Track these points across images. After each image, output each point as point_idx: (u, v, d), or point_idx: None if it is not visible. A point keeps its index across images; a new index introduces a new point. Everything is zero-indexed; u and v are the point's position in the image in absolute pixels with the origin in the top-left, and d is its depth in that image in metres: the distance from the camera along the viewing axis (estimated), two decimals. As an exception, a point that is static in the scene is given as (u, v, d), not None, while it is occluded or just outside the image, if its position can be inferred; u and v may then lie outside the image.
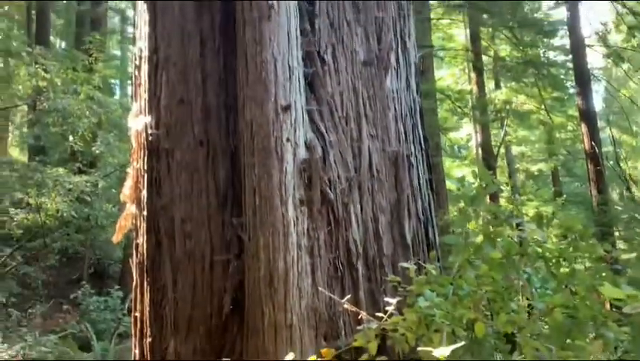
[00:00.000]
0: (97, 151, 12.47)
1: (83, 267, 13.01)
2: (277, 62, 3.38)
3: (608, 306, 3.03)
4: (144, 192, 3.79)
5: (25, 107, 14.81)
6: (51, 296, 11.97)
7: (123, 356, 9.01)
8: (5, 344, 6.95)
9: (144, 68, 3.96)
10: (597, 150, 14.61)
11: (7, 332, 8.33)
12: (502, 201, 13.90)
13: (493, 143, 18.96)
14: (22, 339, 7.65)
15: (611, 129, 18.83)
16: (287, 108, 3.36)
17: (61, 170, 11.89)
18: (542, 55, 18.78)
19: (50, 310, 11.47)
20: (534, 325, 2.37)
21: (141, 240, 3.80)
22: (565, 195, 18.97)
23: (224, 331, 3.46)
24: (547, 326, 2.62)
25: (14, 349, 6.91)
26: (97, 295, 11.58)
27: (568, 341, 2.43)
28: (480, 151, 18.36)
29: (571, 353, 2.20)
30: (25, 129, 16.36)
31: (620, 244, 14.05)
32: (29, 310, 10.68)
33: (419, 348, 1.93)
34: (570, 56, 17.13)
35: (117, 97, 20.42)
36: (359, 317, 3.01)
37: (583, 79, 15.93)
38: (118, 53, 26.53)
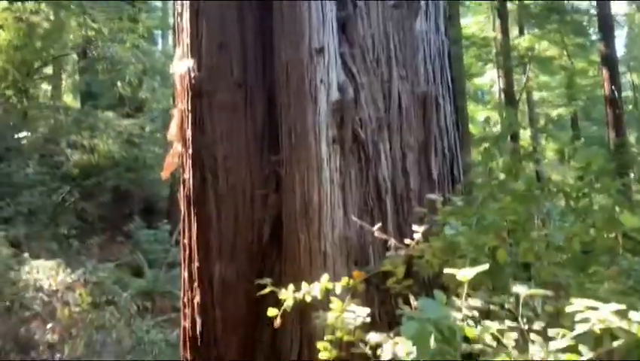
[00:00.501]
0: (143, 96, 12.57)
1: (133, 203, 13.37)
2: (311, 6, 3.31)
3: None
4: (189, 132, 3.82)
5: (76, 56, 14.89)
6: (106, 229, 12.38)
7: (171, 281, 9.36)
8: (68, 269, 7.27)
9: (186, 15, 3.92)
10: (617, 95, 14.12)
11: (69, 260, 8.69)
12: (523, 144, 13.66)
13: (515, 88, 18.46)
14: (83, 265, 7.99)
15: (631, 75, 18.12)
16: (320, 51, 3.32)
17: (110, 114, 12.06)
18: (566, 1, 17.96)
19: (105, 242, 11.90)
20: (552, 253, 2.37)
21: (188, 175, 3.87)
22: (583, 139, 18.52)
23: (263, 257, 3.54)
24: (564, 257, 2.61)
25: (76, 273, 7.24)
26: (147, 228, 11.94)
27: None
28: (502, 96, 17.93)
29: (587, 280, 2.20)
30: (76, 77, 16.51)
31: (635, 186, 13.76)
32: (88, 241, 11.08)
33: (444, 270, 1.95)
34: (594, 2, 16.34)
35: (159, 46, 20.38)
36: (387, 245, 3.04)
37: (606, 25, 15.23)
38: (159, 4, 26.25)
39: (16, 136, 12.17)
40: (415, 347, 1.55)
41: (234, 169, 3.68)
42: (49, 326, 6.55)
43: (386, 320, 2.98)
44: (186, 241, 3.85)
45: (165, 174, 4.12)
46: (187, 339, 3.78)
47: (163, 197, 13.89)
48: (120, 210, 13.23)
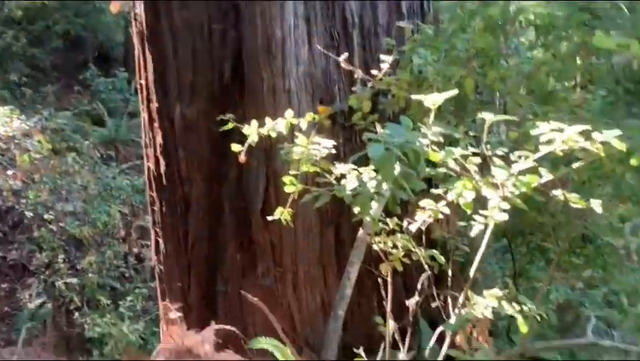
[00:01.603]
0: None
1: (87, 50, 12.66)
2: None
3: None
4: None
5: None
6: (60, 78, 11.82)
7: (133, 129, 9.21)
8: (23, 116, 7.02)
9: None
10: None
11: (24, 108, 8.37)
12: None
13: None
14: (39, 113, 7.72)
15: None
16: None
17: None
18: None
19: (61, 91, 11.41)
20: (519, 82, 2.33)
21: (139, 10, 3.58)
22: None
23: (226, 96, 3.42)
24: (531, 88, 2.58)
25: (32, 120, 7.00)
26: (104, 77, 11.45)
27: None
28: None
29: (552, 108, 2.19)
30: None
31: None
32: (42, 90, 10.62)
33: (412, 96, 1.89)
34: None
35: None
36: (353, 80, 2.95)
37: None
38: None
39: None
40: (380, 171, 1.54)
41: (190, 2, 3.40)
42: (10, 172, 6.47)
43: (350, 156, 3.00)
44: (142, 81, 3.67)
45: (114, 8, 3.80)
46: (152, 179, 3.77)
47: (117, 43, 13.16)
48: (73, 57, 12.54)
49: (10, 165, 6.63)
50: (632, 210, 2.48)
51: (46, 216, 6.40)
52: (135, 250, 7.29)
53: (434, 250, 2.13)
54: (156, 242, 4.05)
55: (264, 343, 2.82)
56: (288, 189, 2.76)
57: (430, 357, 2.48)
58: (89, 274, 6.19)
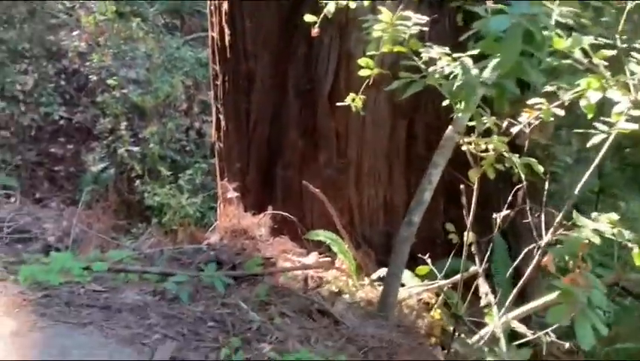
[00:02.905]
0: None
1: None
2: None
3: None
4: None
5: None
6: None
7: (201, 3, 8.80)
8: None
9: None
10: None
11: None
12: None
13: None
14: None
15: None
16: None
17: None
18: None
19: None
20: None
21: None
22: None
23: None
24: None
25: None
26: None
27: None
28: None
29: None
30: None
31: None
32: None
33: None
34: None
35: None
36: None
37: None
38: None
39: None
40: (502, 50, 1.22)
41: None
42: (75, 33, 6.36)
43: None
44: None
45: None
46: (216, 51, 3.52)
47: None
48: None
49: (76, 26, 6.51)
50: None
51: (109, 82, 6.35)
52: (197, 124, 7.24)
53: (532, 158, 1.82)
54: (217, 118, 3.88)
55: (322, 235, 2.67)
56: (362, 72, 2.46)
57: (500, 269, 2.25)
58: (151, 144, 6.19)
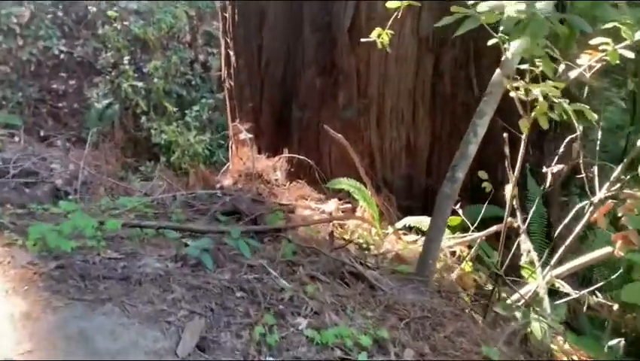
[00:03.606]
0: None
1: None
2: None
3: None
4: None
5: None
6: None
7: None
8: None
9: None
10: None
11: None
12: None
13: None
14: None
15: None
16: None
17: None
18: None
19: None
20: None
21: None
22: None
23: None
24: None
25: None
26: None
27: None
28: None
29: None
30: None
31: None
32: None
33: None
34: None
35: None
36: None
37: None
38: None
39: None
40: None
41: None
42: (70, -40, 5.95)
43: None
44: None
45: None
46: (224, -20, 3.22)
47: None
48: None
49: (71, -48, 6.09)
50: None
51: (110, 13, 6.02)
52: (202, 57, 6.93)
53: (585, 105, 1.62)
54: (227, 54, 3.64)
55: (344, 184, 2.51)
56: (390, 4, 2.22)
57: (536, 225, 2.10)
58: (155, 79, 5.94)
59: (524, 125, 1.59)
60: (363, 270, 1.65)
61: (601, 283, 1.82)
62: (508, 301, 1.80)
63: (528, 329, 1.62)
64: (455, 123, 3.01)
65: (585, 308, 1.86)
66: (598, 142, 1.70)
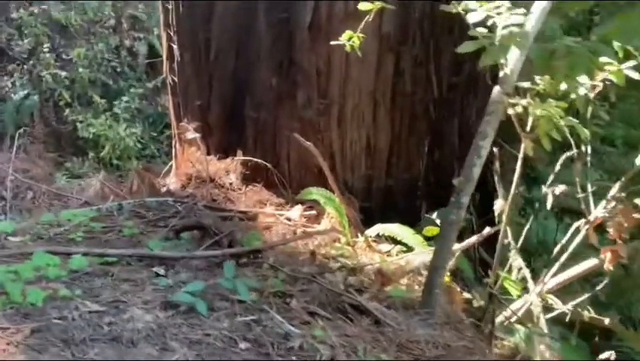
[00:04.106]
0: None
1: None
2: None
3: None
4: None
5: None
6: None
7: None
8: None
9: None
10: None
11: None
12: None
13: None
14: None
15: None
16: None
17: None
18: None
19: None
20: None
21: None
22: None
23: None
24: None
25: None
26: None
27: None
28: None
29: None
30: None
31: None
32: None
33: None
34: None
35: None
36: None
37: None
38: None
39: None
40: None
41: None
42: None
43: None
44: None
45: None
46: (168, -32, 2.95)
47: None
48: None
49: None
50: None
51: (24, -6, 5.50)
52: (127, 42, 6.49)
53: (574, 119, 1.57)
54: (169, 47, 3.36)
55: (315, 194, 2.38)
56: (362, 6, 2.09)
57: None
58: (79, 68, 5.48)
59: (529, 146, 1.52)
60: (365, 302, 1.54)
61: (588, 295, 1.83)
62: (501, 318, 1.76)
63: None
64: (415, 122, 2.96)
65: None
66: (589, 158, 1.68)
